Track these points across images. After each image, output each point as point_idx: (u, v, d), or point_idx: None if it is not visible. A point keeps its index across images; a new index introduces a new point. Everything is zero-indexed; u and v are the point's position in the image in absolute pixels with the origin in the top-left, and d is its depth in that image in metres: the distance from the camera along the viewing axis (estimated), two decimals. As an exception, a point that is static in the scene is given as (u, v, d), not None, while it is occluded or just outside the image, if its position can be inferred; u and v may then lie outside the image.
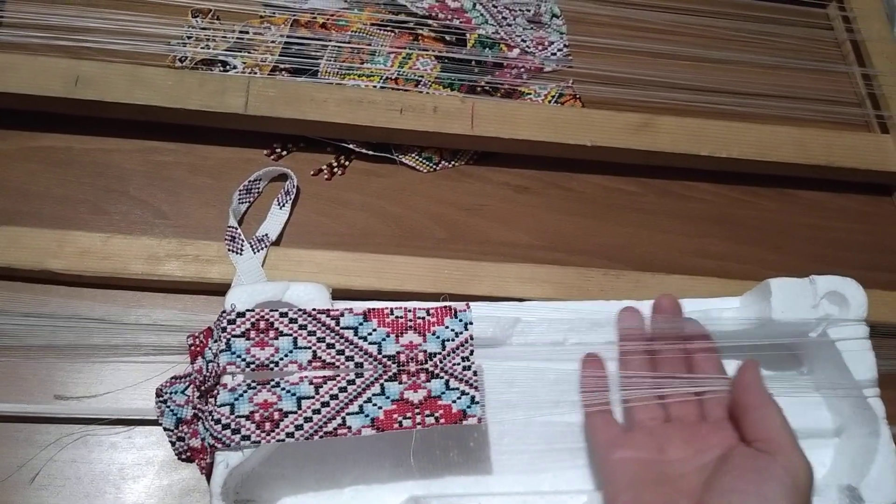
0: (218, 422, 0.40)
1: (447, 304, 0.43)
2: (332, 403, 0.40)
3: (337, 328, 0.42)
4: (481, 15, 0.66)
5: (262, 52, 0.60)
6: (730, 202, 0.63)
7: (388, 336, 0.42)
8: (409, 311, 0.42)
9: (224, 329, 0.41)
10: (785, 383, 0.48)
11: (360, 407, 0.40)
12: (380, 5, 0.64)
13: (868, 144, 0.63)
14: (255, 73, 0.58)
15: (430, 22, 0.64)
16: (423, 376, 0.41)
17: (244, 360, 0.41)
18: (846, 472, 0.44)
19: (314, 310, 0.42)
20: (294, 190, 0.55)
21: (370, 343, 0.42)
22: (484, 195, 0.59)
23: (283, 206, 0.54)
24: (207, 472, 0.41)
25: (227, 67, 0.58)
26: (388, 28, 0.63)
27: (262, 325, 0.41)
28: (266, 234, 0.52)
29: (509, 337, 0.46)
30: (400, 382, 0.41)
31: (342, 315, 0.42)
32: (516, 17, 0.66)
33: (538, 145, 0.58)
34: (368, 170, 0.58)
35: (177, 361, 0.47)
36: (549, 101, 0.63)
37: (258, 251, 0.51)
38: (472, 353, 0.42)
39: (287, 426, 0.40)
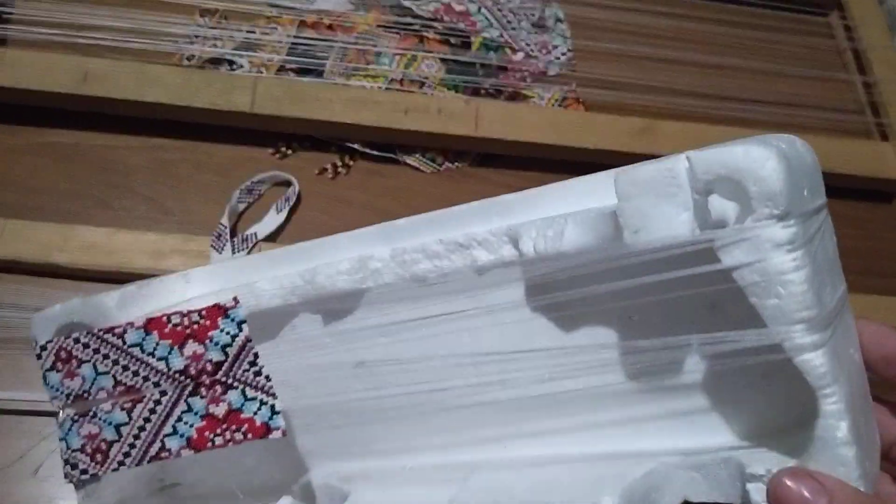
0: (64, 461, 0.38)
1: (217, 302, 0.38)
2: (148, 427, 0.37)
3: (125, 347, 0.38)
4: (486, 18, 0.66)
5: (268, 52, 0.60)
6: (730, 207, 0.63)
7: (171, 349, 0.38)
8: (185, 314, 0.38)
9: (40, 365, 0.39)
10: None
11: (174, 427, 0.37)
12: (385, 7, 0.65)
13: (868, 151, 0.64)
14: (262, 73, 0.59)
15: (435, 25, 0.64)
16: (219, 388, 0.37)
17: (63, 392, 0.38)
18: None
19: (100, 330, 0.38)
20: (295, 197, 0.55)
21: (157, 359, 0.38)
22: (486, 196, 0.59)
23: (281, 211, 0.55)
24: None
25: (234, 67, 0.59)
26: (394, 30, 0.64)
27: (63, 355, 0.38)
28: (254, 234, 0.53)
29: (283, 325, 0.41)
30: (201, 396, 0.37)
31: (125, 332, 0.38)
32: (520, 22, 0.67)
33: (541, 147, 0.59)
34: (372, 170, 0.59)
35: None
36: (553, 105, 0.63)
37: (240, 250, 0.51)
38: (257, 355, 0.37)
39: (116, 454, 0.37)
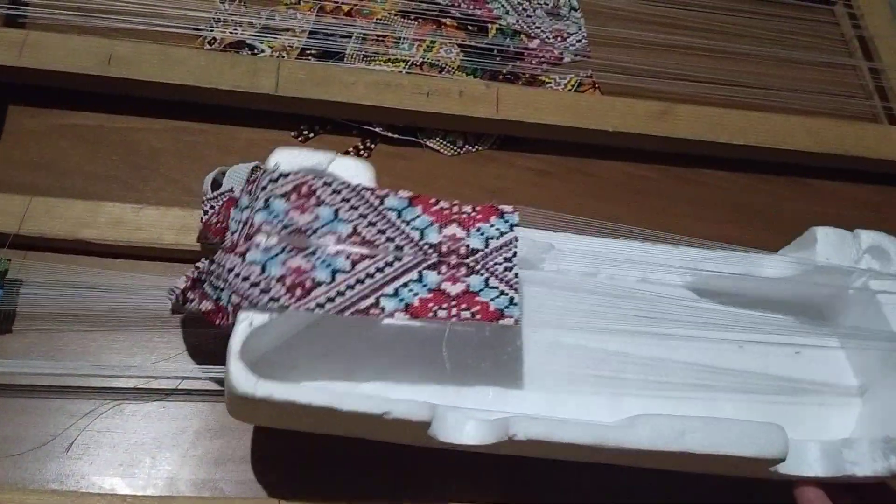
0: (247, 279, 0.37)
1: (494, 204, 0.42)
2: (367, 282, 0.38)
3: (380, 207, 0.40)
4: (502, 6, 0.67)
5: (288, 37, 0.61)
6: (745, 190, 0.64)
7: (431, 224, 0.40)
8: (455, 204, 0.41)
9: (264, 188, 0.39)
10: (811, 337, 0.47)
11: (396, 290, 0.38)
12: (403, -6, 0.65)
13: (879, 135, 0.65)
14: (284, 57, 0.59)
15: (452, 11, 0.65)
16: (462, 270, 0.39)
17: (281, 221, 0.38)
18: (876, 427, 0.44)
19: (359, 185, 0.40)
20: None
21: (412, 228, 0.40)
22: (507, 179, 0.60)
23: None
24: (227, 332, 0.38)
25: (256, 51, 0.59)
26: (412, 16, 0.64)
27: (305, 189, 0.39)
28: None
29: (542, 261, 0.45)
30: (439, 273, 0.39)
31: (387, 196, 0.40)
32: (535, 10, 0.68)
33: (561, 130, 0.60)
34: (394, 153, 0.59)
35: (211, 332, 0.48)
36: (569, 91, 0.64)
37: None
38: (514, 255, 0.40)
39: (318, 296, 0.37)
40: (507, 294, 0.39)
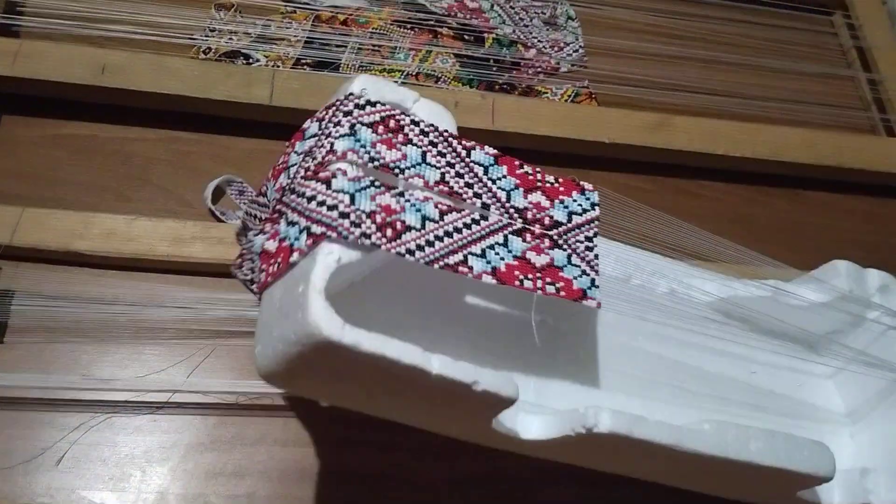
0: (334, 208, 0.32)
1: (574, 179, 0.39)
2: (456, 236, 0.35)
3: (467, 159, 0.37)
4: (499, 15, 0.67)
5: (284, 47, 0.60)
6: (743, 202, 0.64)
7: (517, 188, 0.37)
8: (539, 171, 0.38)
9: (350, 113, 0.35)
10: (810, 366, 0.48)
11: (483, 251, 0.35)
12: (399, 3, 0.65)
13: (876, 147, 0.65)
14: (279, 66, 0.59)
15: (448, 21, 0.65)
16: (547, 242, 0.37)
17: (368, 152, 0.34)
18: (865, 457, 0.45)
19: (446, 130, 0.37)
20: (246, 188, 0.55)
21: (499, 188, 0.37)
22: (503, 190, 0.60)
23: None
24: (275, 274, 0.33)
25: (251, 61, 0.59)
26: (408, 26, 0.64)
27: (392, 124, 0.36)
28: None
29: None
30: (524, 240, 0.36)
31: (474, 148, 0.37)
32: (532, 19, 0.68)
33: (557, 141, 0.59)
34: (389, 163, 0.59)
35: (202, 345, 0.47)
36: (566, 101, 0.64)
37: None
38: (595, 234, 0.38)
39: (409, 241, 0.33)
40: (588, 275, 0.37)
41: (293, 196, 0.34)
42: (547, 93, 0.64)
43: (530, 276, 0.36)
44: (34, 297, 0.47)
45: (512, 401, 0.33)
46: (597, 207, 0.39)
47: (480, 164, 0.37)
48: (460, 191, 0.36)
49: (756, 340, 0.47)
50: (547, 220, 0.37)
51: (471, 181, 0.36)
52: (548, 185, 0.38)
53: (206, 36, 0.59)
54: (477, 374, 0.31)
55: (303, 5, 0.63)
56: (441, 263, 0.34)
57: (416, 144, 0.36)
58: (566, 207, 0.38)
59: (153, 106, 0.55)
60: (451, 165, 0.36)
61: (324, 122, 0.36)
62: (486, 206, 0.36)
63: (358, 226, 0.32)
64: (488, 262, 0.35)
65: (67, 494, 0.43)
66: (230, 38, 0.60)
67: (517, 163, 0.38)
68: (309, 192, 0.33)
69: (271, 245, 0.34)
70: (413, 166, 0.35)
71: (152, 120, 0.56)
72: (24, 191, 0.52)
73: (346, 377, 0.33)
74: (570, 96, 0.64)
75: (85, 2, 0.57)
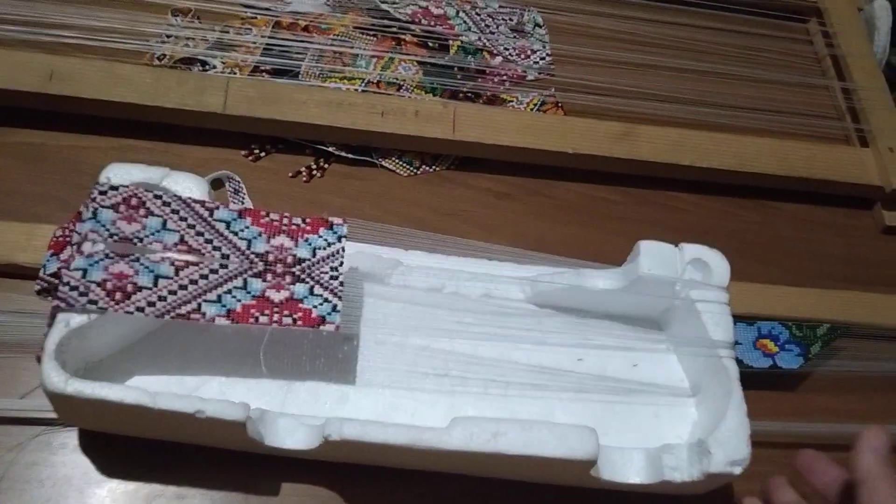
0: (66, 284, 0.39)
1: (324, 217, 0.44)
2: (191, 288, 0.40)
3: (209, 219, 0.42)
4: (464, 22, 0.65)
5: (242, 53, 0.59)
6: (711, 213, 0.62)
7: (259, 235, 0.42)
8: (286, 216, 0.43)
9: (94, 199, 0.41)
10: (647, 344, 0.49)
11: (219, 297, 0.40)
12: (362, 10, 0.64)
13: (848, 157, 0.64)
14: (235, 74, 0.58)
15: (412, 28, 0.64)
16: (288, 278, 0.41)
17: (108, 230, 0.40)
18: (705, 428, 0.44)
19: (190, 198, 0.42)
20: (241, 188, 0.54)
21: (240, 238, 0.42)
22: (465, 201, 0.59)
23: (242, 203, 0.53)
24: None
25: (207, 67, 0.58)
26: (371, 32, 0.63)
27: (134, 202, 0.41)
28: None
29: (389, 276, 0.47)
30: (264, 280, 0.41)
31: (217, 208, 0.42)
32: (499, 26, 0.66)
33: (519, 151, 0.58)
34: (348, 173, 0.58)
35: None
36: (532, 109, 0.62)
37: None
38: (341, 264, 0.42)
39: (139, 300, 0.39)
40: (330, 301, 0.42)
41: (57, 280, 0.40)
42: (512, 101, 0.63)
43: (267, 311, 0.41)
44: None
45: (241, 424, 0.38)
46: (343, 239, 0.43)
47: (223, 221, 0.42)
48: (199, 247, 0.41)
49: (584, 328, 0.49)
50: (290, 259, 0.42)
51: (211, 237, 0.41)
52: (293, 226, 0.43)
53: (161, 42, 0.58)
54: (201, 404, 0.38)
55: (263, 11, 0.62)
56: (173, 314, 0.39)
57: (156, 215, 0.41)
58: (310, 244, 0.43)
59: (104, 113, 0.54)
60: (192, 227, 0.41)
61: (85, 209, 0.41)
62: (225, 256, 0.41)
63: (85, 294, 0.38)
64: (223, 306, 0.40)
65: (2, 515, 0.42)
66: (186, 44, 0.58)
67: (262, 213, 0.43)
68: (63, 275, 0.39)
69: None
70: (152, 234, 0.41)
71: (104, 128, 0.55)
72: (-30, 201, 0.51)
73: (103, 416, 0.40)
74: (536, 105, 0.63)
75: (35, 6, 0.56)
